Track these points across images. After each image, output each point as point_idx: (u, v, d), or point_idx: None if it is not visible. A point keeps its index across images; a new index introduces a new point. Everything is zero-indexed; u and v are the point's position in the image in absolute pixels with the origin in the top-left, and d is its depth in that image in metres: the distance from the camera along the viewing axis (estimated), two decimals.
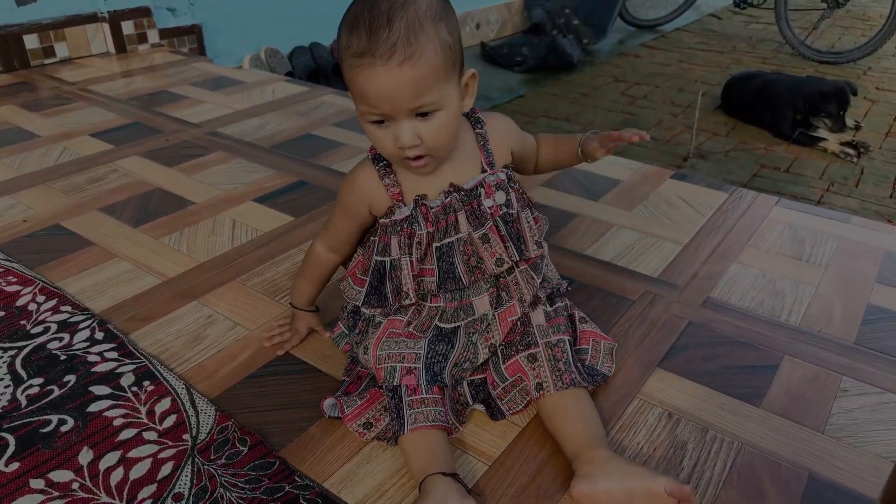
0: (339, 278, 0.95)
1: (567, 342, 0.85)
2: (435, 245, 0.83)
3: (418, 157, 0.77)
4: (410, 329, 0.85)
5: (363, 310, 0.90)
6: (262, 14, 2.96)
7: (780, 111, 2.85)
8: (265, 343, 0.97)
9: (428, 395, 0.80)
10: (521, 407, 0.84)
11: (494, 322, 0.87)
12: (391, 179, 0.83)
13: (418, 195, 0.83)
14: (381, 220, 0.85)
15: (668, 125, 3.03)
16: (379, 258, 0.86)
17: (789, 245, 1.26)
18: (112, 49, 2.52)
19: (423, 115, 0.74)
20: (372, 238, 0.88)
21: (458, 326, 0.86)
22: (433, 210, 0.82)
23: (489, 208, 0.83)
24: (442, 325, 0.86)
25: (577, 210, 1.38)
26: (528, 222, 0.88)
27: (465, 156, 0.84)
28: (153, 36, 2.61)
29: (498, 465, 0.79)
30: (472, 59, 3.95)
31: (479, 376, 0.88)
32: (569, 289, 0.98)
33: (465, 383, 0.87)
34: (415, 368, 0.81)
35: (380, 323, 0.86)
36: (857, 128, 2.92)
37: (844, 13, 4.78)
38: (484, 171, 0.85)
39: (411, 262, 0.83)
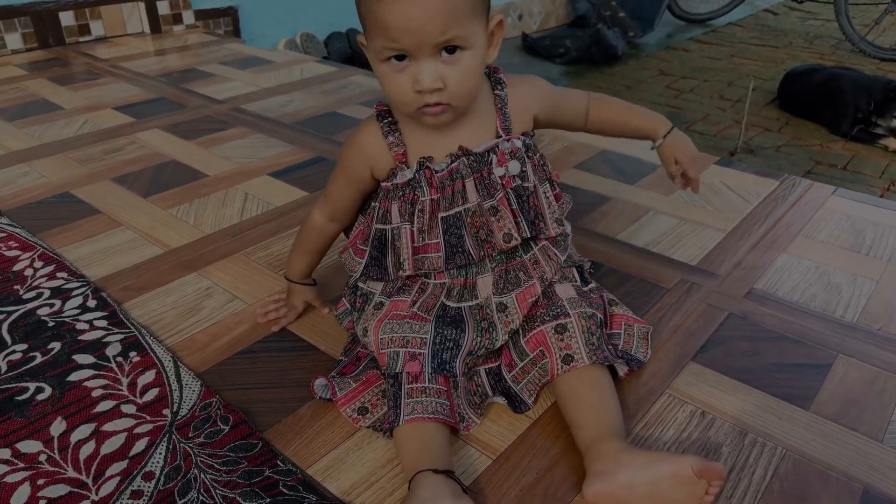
0: (340, 250, 0.88)
1: (601, 319, 0.77)
2: (441, 215, 0.75)
3: (437, 104, 0.68)
4: (415, 309, 0.77)
5: (360, 284, 0.83)
6: None
7: (843, 107, 2.67)
8: (259, 318, 0.90)
9: (430, 385, 0.71)
10: (538, 389, 0.75)
11: (513, 304, 0.77)
12: (395, 138, 0.75)
13: (423, 157, 0.74)
14: (383, 184, 0.77)
15: (715, 119, 2.88)
16: (379, 226, 0.78)
17: (847, 236, 1.14)
18: (147, 29, 2.51)
19: (451, 52, 0.66)
20: (373, 204, 0.79)
21: (463, 308, 0.78)
22: (438, 174, 0.74)
23: (500, 178, 0.75)
24: (449, 303, 0.78)
25: (611, 193, 1.27)
26: (548, 197, 0.79)
27: (480, 118, 0.76)
28: (188, 17, 2.59)
29: (503, 460, 0.70)
30: (514, 50, 3.85)
31: (495, 363, 0.79)
32: (591, 271, 0.88)
33: (482, 372, 0.78)
34: (419, 354, 0.73)
35: (381, 303, 0.78)
36: None
37: None
38: (499, 136, 0.76)
39: (411, 231, 0.75)
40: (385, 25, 0.64)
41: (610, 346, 0.78)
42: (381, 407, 0.75)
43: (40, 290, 0.97)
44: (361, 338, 0.79)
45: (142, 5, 2.47)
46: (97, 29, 2.40)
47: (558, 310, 0.75)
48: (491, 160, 0.75)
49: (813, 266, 1.05)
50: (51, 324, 0.90)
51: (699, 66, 3.64)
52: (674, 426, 0.74)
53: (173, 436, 0.72)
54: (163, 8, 2.51)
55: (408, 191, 0.75)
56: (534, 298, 0.77)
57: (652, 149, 0.89)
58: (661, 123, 0.87)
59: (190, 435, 0.72)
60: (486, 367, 0.79)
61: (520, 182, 0.76)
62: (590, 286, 0.83)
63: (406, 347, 0.73)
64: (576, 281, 0.81)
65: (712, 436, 0.73)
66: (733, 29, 4.43)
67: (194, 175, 1.35)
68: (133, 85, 1.93)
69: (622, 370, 0.79)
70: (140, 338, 0.87)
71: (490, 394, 0.77)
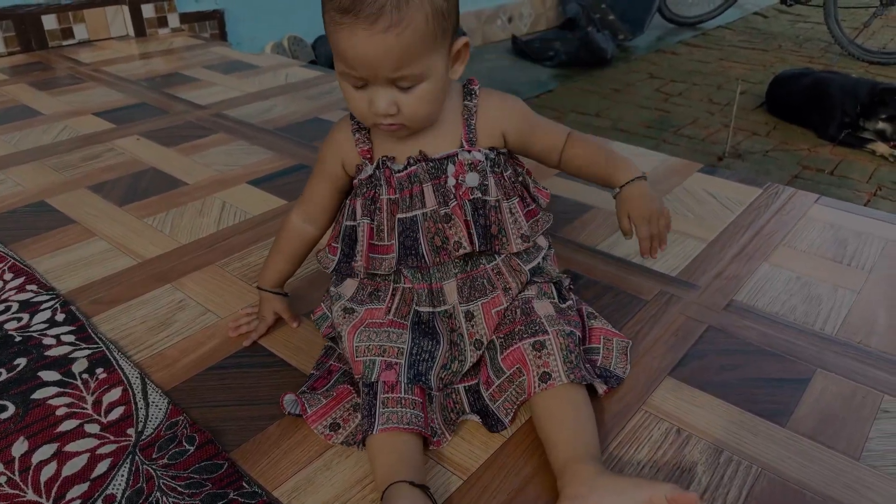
0: (318, 249, 0.87)
1: (579, 338, 0.76)
2: (398, 216, 0.75)
3: (392, 124, 0.70)
4: (391, 316, 0.76)
5: (331, 288, 0.82)
6: (287, 1, 2.90)
7: (830, 111, 2.67)
8: (230, 332, 0.89)
9: (406, 396, 0.70)
10: (515, 408, 0.74)
11: (479, 314, 0.77)
12: (362, 135, 0.78)
13: (385, 156, 0.75)
14: (353, 181, 0.79)
15: (704, 123, 2.88)
16: (348, 222, 0.79)
17: (829, 246, 1.13)
18: (131, 32, 2.49)
19: (405, 85, 0.68)
20: (346, 202, 0.81)
21: (434, 315, 0.77)
22: (397, 175, 0.75)
23: (454, 187, 0.75)
24: (421, 310, 0.77)
25: (593, 202, 1.26)
26: (514, 214, 0.78)
27: (445, 126, 0.76)
28: (174, 20, 2.57)
29: (474, 480, 0.69)
30: (502, 52, 3.84)
31: (474, 381, 0.77)
32: (571, 286, 0.87)
33: (461, 389, 0.77)
34: (396, 364, 0.72)
35: (352, 309, 0.77)
36: None
37: None
38: (461, 146, 0.76)
39: (370, 226, 0.76)
40: (342, 54, 0.66)
41: (588, 365, 0.77)
42: (352, 421, 0.73)
43: (9, 304, 0.95)
44: (337, 343, 0.78)
45: (126, 8, 2.45)
46: (80, 32, 2.38)
47: (536, 327, 0.74)
48: (447, 168, 0.75)
49: (794, 277, 1.04)
50: (18, 339, 0.88)
51: (688, 69, 3.64)
52: (648, 444, 0.73)
53: (136, 457, 0.70)
54: (147, 11, 2.49)
55: (369, 188, 0.77)
56: (498, 309, 0.76)
57: (614, 197, 0.84)
58: (624, 171, 0.82)
59: (154, 456, 0.70)
60: (466, 384, 0.77)
61: (479, 194, 0.75)
62: (567, 303, 0.81)
63: (383, 356, 0.72)
64: (553, 297, 0.79)
65: (687, 454, 0.72)
66: (723, 32, 4.43)
67: (173, 183, 1.33)
68: (115, 90, 1.91)
69: (601, 388, 0.77)
70: (108, 353, 0.85)
71: (467, 410, 0.76)
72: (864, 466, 0.71)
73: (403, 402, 0.70)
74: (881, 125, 2.57)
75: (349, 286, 0.81)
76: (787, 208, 1.25)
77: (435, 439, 0.72)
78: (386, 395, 0.70)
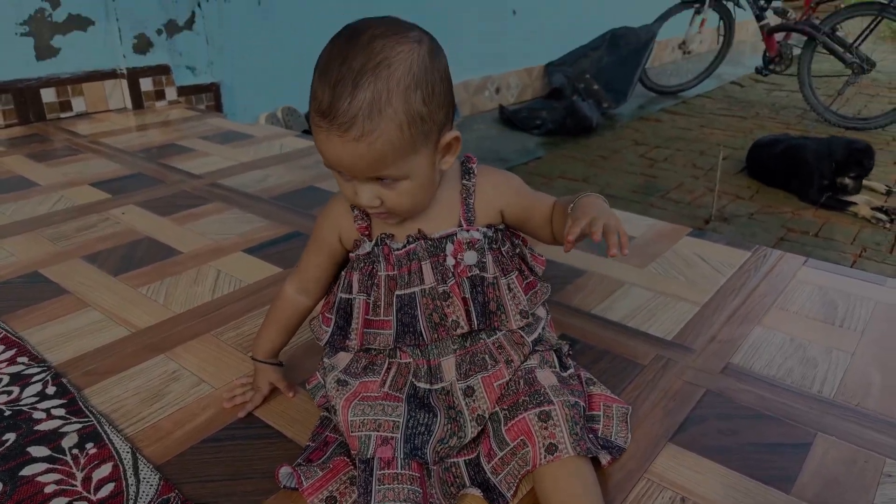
0: (311, 318, 0.87)
1: (583, 409, 0.75)
2: (397, 293, 0.76)
3: (380, 212, 0.72)
4: (386, 389, 0.75)
5: (325, 360, 0.81)
6: (281, 73, 2.99)
7: (808, 175, 2.75)
8: (225, 403, 0.87)
9: (403, 472, 0.69)
10: (518, 481, 0.72)
11: (479, 388, 0.76)
12: (360, 212, 0.78)
13: (384, 233, 0.76)
14: (350, 254, 0.79)
15: (688, 188, 2.94)
16: (343, 294, 0.79)
17: (820, 308, 1.14)
18: (129, 105, 2.54)
19: (386, 183, 0.69)
20: (342, 273, 0.81)
21: (431, 392, 0.76)
22: (396, 252, 0.76)
23: (453, 266, 0.76)
24: (418, 384, 0.76)
25: (585, 266, 1.28)
26: (513, 289, 0.78)
27: (443, 205, 0.77)
28: (171, 93, 2.63)
29: None
30: (490, 122, 3.95)
31: (474, 454, 0.76)
32: (570, 353, 0.87)
33: (461, 463, 0.75)
34: (391, 438, 0.70)
35: (345, 382, 0.76)
36: (889, 193, 2.79)
37: (870, 81, 4.72)
38: (460, 225, 0.77)
39: (365, 302, 0.76)
40: (321, 152, 0.68)
41: (591, 435, 0.76)
42: (349, 495, 0.72)
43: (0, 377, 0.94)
44: (333, 416, 0.77)
45: (124, 82, 2.51)
46: (79, 105, 2.43)
47: (541, 397, 0.72)
48: (446, 247, 0.76)
49: (788, 339, 1.05)
50: (7, 413, 0.86)
51: (671, 135, 3.75)
52: None
53: None
54: (146, 84, 2.55)
55: (367, 263, 0.77)
56: (500, 382, 0.75)
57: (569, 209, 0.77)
58: (582, 194, 0.77)
59: None
60: (466, 458, 0.76)
61: (477, 272, 0.76)
62: (569, 371, 0.81)
63: (378, 431, 0.71)
64: (555, 366, 0.79)
65: None
66: (702, 100, 4.59)
67: (167, 252, 1.34)
68: (112, 161, 1.93)
69: (605, 460, 0.76)
70: (98, 427, 0.84)
71: (467, 483, 0.74)
72: None
73: (400, 477, 0.68)
74: (847, 180, 2.66)
75: (343, 358, 0.80)
76: (776, 271, 1.27)
77: None
78: (382, 472, 0.68)
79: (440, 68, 0.68)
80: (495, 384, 0.76)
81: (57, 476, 0.76)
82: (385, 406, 0.73)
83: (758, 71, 4.51)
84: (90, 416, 0.86)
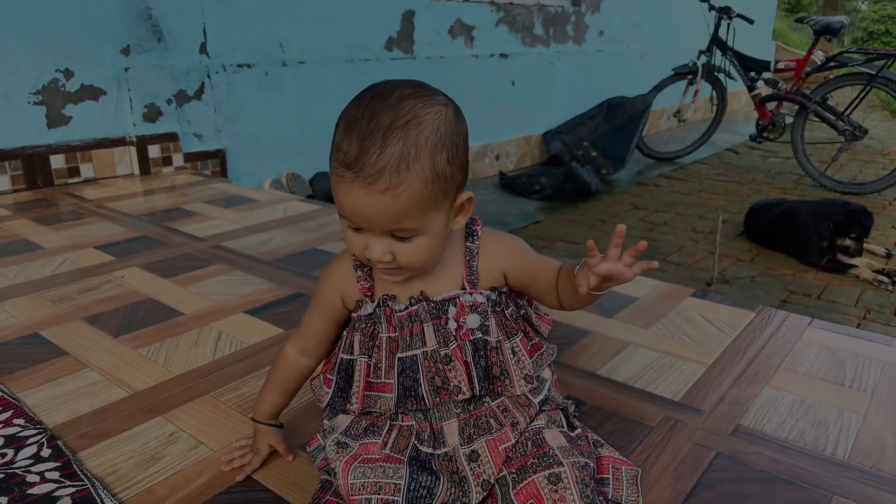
0: (312, 377, 0.85)
1: (593, 469, 0.72)
2: (399, 355, 0.75)
3: (388, 268, 0.72)
4: (388, 451, 0.73)
5: (325, 422, 0.79)
6: (286, 140, 3.06)
7: (805, 238, 2.77)
8: (223, 467, 0.85)
9: None
10: None
11: (484, 453, 0.74)
12: (363, 272, 0.78)
13: (386, 294, 0.76)
14: (353, 315, 0.79)
15: (689, 251, 2.96)
16: (345, 355, 0.78)
17: (829, 368, 1.13)
18: (137, 171, 2.59)
19: (402, 237, 0.69)
20: (343, 334, 0.80)
21: (433, 457, 0.74)
22: (398, 314, 0.75)
23: (454, 330, 0.75)
24: (421, 448, 0.74)
25: (589, 326, 1.27)
26: (517, 353, 0.77)
27: (447, 267, 0.77)
28: (178, 159, 2.68)
29: None
30: (490, 187, 4.01)
31: None
32: (576, 413, 0.85)
33: None
34: (393, 502, 0.68)
35: (345, 444, 0.74)
36: (889, 255, 2.81)
37: (863, 147, 4.82)
38: (463, 287, 0.77)
39: (367, 364, 0.75)
40: (340, 203, 0.68)
41: (601, 498, 0.74)
42: None
43: None
44: (333, 479, 0.75)
45: (133, 149, 2.56)
46: (87, 171, 2.47)
47: (551, 459, 0.70)
48: (449, 310, 0.75)
49: (798, 400, 1.03)
50: (0, 476, 0.84)
51: (670, 200, 3.80)
52: None
53: None
54: (153, 151, 2.61)
55: (369, 325, 0.77)
56: (506, 445, 0.73)
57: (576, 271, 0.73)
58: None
59: None
60: None
61: (480, 335, 0.76)
62: (576, 431, 0.79)
63: (379, 494, 0.69)
64: (563, 426, 0.77)
65: None
66: (699, 166, 4.67)
67: (169, 313, 1.33)
68: (117, 224, 1.95)
69: None
70: (93, 491, 0.81)
71: None
72: None
73: None
74: (847, 242, 2.66)
75: (343, 420, 0.79)
76: (781, 331, 1.26)
77: None
78: None
79: (463, 131, 0.70)
80: (500, 447, 0.74)
81: None
82: (386, 468, 0.71)
83: (752, 138, 4.62)
84: (84, 479, 0.83)
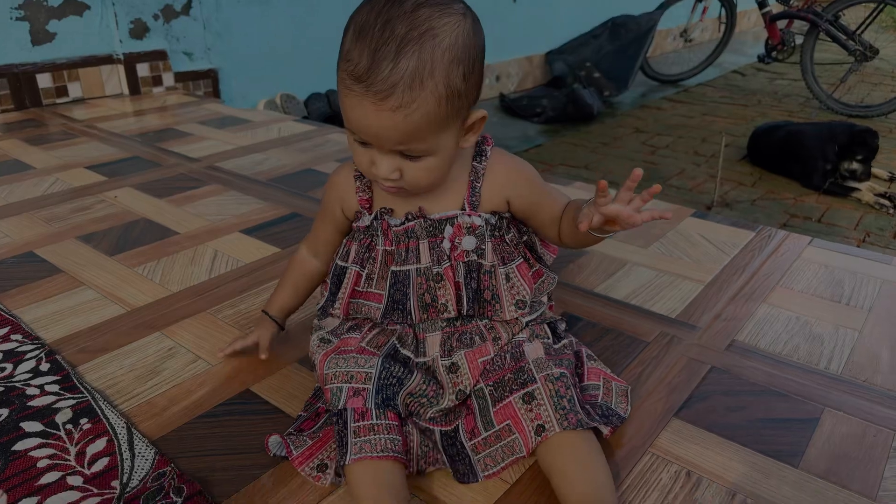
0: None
1: (571, 379, 0.72)
2: (392, 268, 0.75)
3: (392, 185, 0.70)
4: (363, 344, 0.74)
5: (315, 321, 0.82)
6: (280, 60, 2.96)
7: (810, 161, 2.73)
8: (219, 353, 0.89)
9: (380, 422, 0.68)
10: (498, 468, 0.69)
11: (463, 364, 0.74)
12: (363, 184, 0.77)
13: (383, 208, 0.75)
14: (353, 224, 0.79)
15: (690, 174, 2.92)
16: (340, 262, 0.79)
17: (826, 286, 1.13)
18: (126, 91, 2.52)
19: (410, 156, 0.66)
20: (343, 241, 0.81)
21: (411, 361, 0.76)
22: (394, 229, 0.74)
23: (448, 249, 0.74)
24: (402, 350, 0.76)
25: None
26: (512, 279, 0.76)
27: (449, 184, 0.75)
28: (168, 79, 2.61)
29: None
30: (491, 109, 3.92)
31: (451, 426, 0.73)
32: (566, 329, 0.85)
33: (437, 432, 0.73)
34: (363, 390, 0.69)
35: (329, 340, 0.76)
36: (893, 179, 2.77)
37: (873, 69, 4.70)
38: (463, 208, 0.75)
39: (357, 273, 0.76)
40: (348, 118, 0.65)
41: (587, 406, 0.74)
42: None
43: None
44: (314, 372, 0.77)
45: (121, 67, 2.48)
46: (75, 91, 2.41)
47: (525, 376, 0.70)
48: (444, 229, 0.74)
49: (794, 317, 1.03)
50: (0, 389, 0.85)
51: (673, 123, 3.72)
52: (658, 488, 0.70)
53: None
54: (142, 70, 2.53)
55: (367, 236, 0.77)
56: (485, 358, 0.73)
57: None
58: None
59: None
60: (442, 428, 0.74)
61: (475, 258, 0.75)
62: (562, 342, 0.79)
63: (350, 383, 0.70)
64: (547, 338, 0.77)
65: (699, 498, 0.69)
66: (704, 89, 4.56)
67: (164, 233, 1.32)
68: (107, 144, 1.91)
69: (605, 430, 0.74)
70: (93, 403, 0.82)
71: (440, 450, 0.72)
72: None
73: (376, 428, 0.67)
74: (854, 165, 2.63)
75: (331, 322, 0.81)
76: (780, 250, 1.25)
77: (412, 467, 0.69)
78: (357, 424, 0.67)
79: (480, 44, 0.66)
80: (479, 360, 0.74)
81: (50, 451, 0.74)
82: (358, 359, 0.72)
83: (760, 59, 4.48)
84: (84, 392, 0.84)
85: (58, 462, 0.73)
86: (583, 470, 0.66)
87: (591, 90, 3.96)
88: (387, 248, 0.76)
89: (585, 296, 1.09)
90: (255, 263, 1.19)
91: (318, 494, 0.69)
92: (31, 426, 0.78)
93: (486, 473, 0.69)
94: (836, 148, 2.64)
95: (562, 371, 0.71)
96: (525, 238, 0.80)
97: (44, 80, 2.32)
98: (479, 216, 0.75)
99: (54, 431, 0.77)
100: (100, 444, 0.76)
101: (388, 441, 0.66)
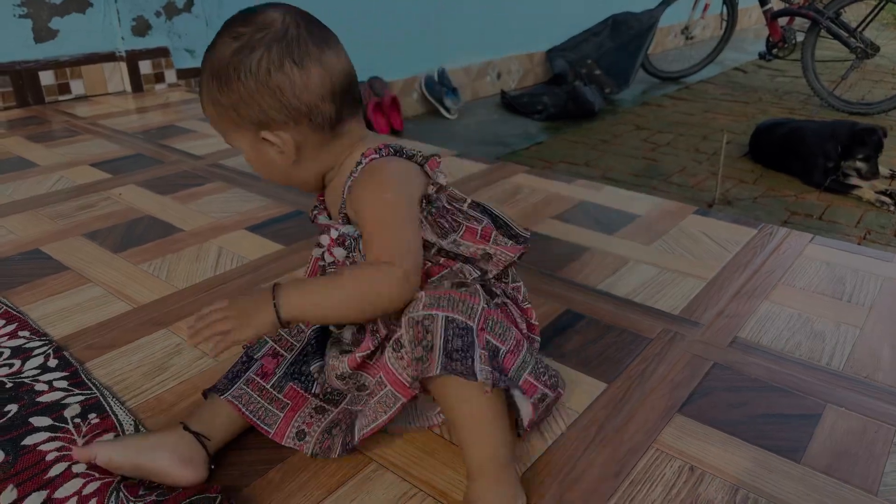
0: None
1: (444, 318, 0.64)
2: (320, 263, 0.80)
3: None
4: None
5: None
6: None
7: (811, 158, 2.73)
8: (189, 341, 0.74)
9: (274, 392, 0.75)
10: (380, 422, 0.68)
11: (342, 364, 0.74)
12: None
13: (317, 203, 0.80)
14: None
15: (691, 172, 2.93)
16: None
17: (827, 284, 1.13)
18: (128, 88, 2.52)
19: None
20: None
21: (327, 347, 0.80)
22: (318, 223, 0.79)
23: (322, 255, 0.77)
24: (329, 351, 0.78)
25: (589, 243, 1.27)
26: None
27: (337, 191, 0.75)
28: (171, 76, 2.61)
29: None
30: (493, 107, 3.92)
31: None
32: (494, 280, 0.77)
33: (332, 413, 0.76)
34: (282, 355, 0.78)
35: None
36: (894, 176, 2.78)
37: (874, 67, 4.69)
38: (340, 215, 0.74)
39: (315, 259, 0.81)
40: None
41: (485, 366, 0.64)
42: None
43: (0, 350, 0.93)
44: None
45: (123, 65, 2.48)
46: (77, 88, 2.41)
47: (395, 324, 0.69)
48: (323, 239, 0.76)
49: (795, 314, 1.04)
50: (8, 385, 0.86)
51: (674, 120, 3.72)
52: (662, 483, 0.71)
53: (121, 493, 0.67)
54: (145, 67, 2.53)
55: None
56: (363, 354, 0.71)
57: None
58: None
59: (140, 493, 0.67)
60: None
61: (349, 264, 0.75)
62: (495, 301, 0.72)
63: (277, 343, 0.78)
64: (455, 278, 0.70)
65: (702, 493, 0.70)
66: (705, 86, 4.56)
67: (168, 230, 1.32)
68: (111, 142, 1.92)
69: (526, 417, 0.70)
70: (101, 399, 0.83)
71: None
72: (882, 501, 0.69)
73: (264, 394, 0.74)
74: (858, 164, 2.63)
75: None
76: (782, 248, 1.26)
77: (300, 443, 0.72)
78: (255, 378, 0.75)
79: (245, 67, 0.67)
80: (357, 355, 0.71)
81: (58, 444, 0.75)
82: (293, 329, 0.79)
83: (761, 56, 4.48)
84: (93, 388, 0.85)
85: (65, 454, 0.74)
86: (463, 421, 0.67)
87: (592, 87, 3.96)
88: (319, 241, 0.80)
89: (588, 293, 1.10)
90: (259, 260, 1.20)
91: (325, 489, 0.70)
92: (39, 421, 0.79)
93: (363, 432, 0.69)
94: (838, 146, 2.65)
95: (430, 313, 0.64)
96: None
97: (46, 78, 2.32)
98: (349, 227, 0.73)
99: (63, 425, 0.78)
100: (107, 438, 0.76)
101: (264, 410, 0.73)
